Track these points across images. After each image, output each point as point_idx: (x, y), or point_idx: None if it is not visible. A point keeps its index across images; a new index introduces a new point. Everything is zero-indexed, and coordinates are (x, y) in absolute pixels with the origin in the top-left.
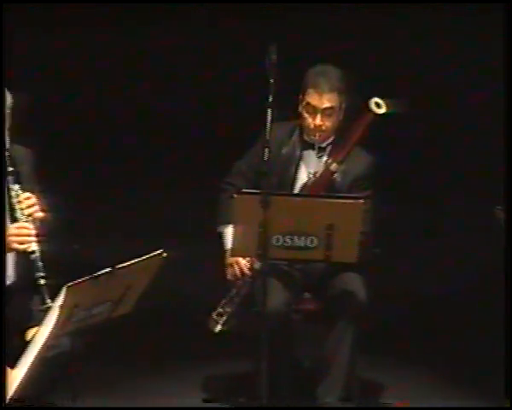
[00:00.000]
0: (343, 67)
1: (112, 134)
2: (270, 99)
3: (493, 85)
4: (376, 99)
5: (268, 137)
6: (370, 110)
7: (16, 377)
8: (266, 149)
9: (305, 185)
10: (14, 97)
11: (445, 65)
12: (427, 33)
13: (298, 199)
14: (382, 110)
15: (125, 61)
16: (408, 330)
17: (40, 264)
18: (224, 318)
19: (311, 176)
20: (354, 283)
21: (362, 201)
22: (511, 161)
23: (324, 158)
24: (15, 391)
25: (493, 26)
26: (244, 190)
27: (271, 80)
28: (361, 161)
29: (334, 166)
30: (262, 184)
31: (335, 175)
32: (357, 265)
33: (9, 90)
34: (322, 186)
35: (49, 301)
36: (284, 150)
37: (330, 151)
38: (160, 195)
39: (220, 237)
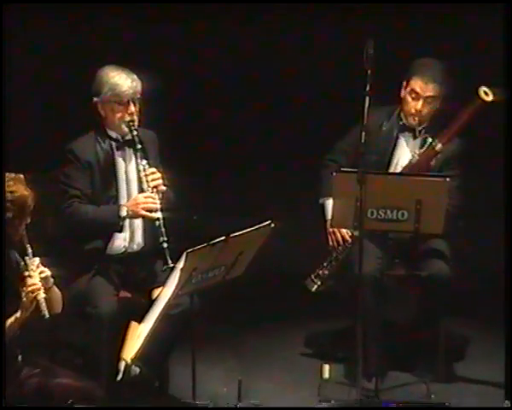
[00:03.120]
0: None
1: (227, 118)
2: (368, 88)
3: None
4: (484, 88)
5: (365, 122)
6: (480, 98)
7: (142, 331)
8: (363, 133)
9: (410, 162)
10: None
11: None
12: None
13: (390, 177)
14: (490, 98)
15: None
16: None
17: (163, 230)
18: (321, 279)
19: (415, 156)
20: (440, 250)
21: (448, 179)
22: None
23: (419, 140)
24: (142, 345)
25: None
26: (343, 169)
27: (369, 71)
28: (452, 144)
29: (439, 147)
30: (359, 162)
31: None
32: (443, 235)
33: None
34: (425, 164)
35: (170, 262)
36: (383, 132)
37: (435, 133)
38: (269, 171)
39: (322, 208)
